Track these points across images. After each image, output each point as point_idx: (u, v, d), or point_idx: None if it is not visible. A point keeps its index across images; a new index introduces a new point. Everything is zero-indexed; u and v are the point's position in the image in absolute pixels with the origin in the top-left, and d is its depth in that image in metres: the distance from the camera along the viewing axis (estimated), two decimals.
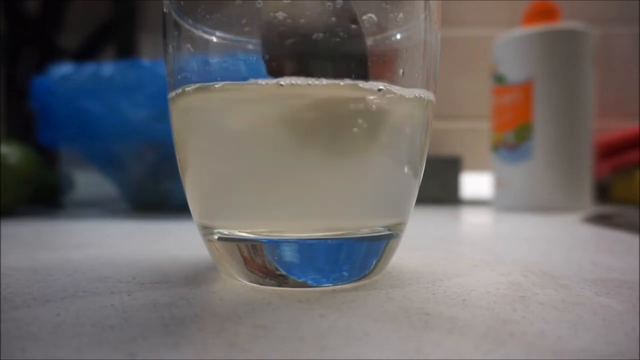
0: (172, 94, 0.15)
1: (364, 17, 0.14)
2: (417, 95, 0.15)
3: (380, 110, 0.14)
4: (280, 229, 0.14)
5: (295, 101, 0.14)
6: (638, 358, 0.09)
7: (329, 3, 0.13)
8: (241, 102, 0.14)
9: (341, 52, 0.14)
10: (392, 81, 0.14)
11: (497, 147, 0.50)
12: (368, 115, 0.14)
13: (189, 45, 0.15)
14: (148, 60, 0.40)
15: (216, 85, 0.14)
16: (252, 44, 0.14)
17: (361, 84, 0.14)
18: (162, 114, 0.38)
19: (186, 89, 0.15)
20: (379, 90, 0.14)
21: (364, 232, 0.15)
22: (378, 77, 0.14)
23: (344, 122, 0.14)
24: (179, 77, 0.15)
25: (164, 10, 0.15)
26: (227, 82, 0.14)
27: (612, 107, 0.72)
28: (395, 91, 0.14)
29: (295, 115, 0.14)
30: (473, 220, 0.41)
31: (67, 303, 0.13)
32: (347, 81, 0.14)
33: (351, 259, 0.15)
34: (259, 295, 0.14)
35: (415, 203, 0.17)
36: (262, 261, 0.14)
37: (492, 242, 0.27)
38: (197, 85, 0.14)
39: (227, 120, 0.14)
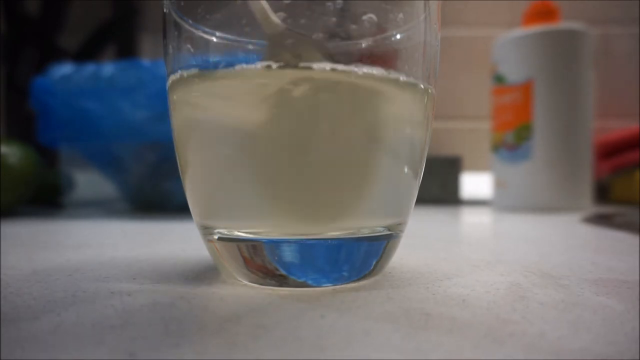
0: (170, 82, 0.15)
1: (364, 17, 0.14)
2: (418, 94, 0.15)
3: (381, 109, 0.14)
4: (280, 229, 0.14)
5: (295, 92, 0.14)
6: (638, 358, 0.09)
7: (329, 3, 0.13)
8: (239, 88, 0.14)
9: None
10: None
11: (497, 147, 0.50)
12: (369, 113, 0.14)
13: (189, 46, 0.15)
14: (148, 60, 0.40)
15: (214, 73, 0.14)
16: (252, 44, 0.14)
17: (365, 69, 0.14)
18: (162, 115, 0.38)
19: (185, 75, 0.15)
20: (388, 75, 0.14)
21: (364, 232, 0.15)
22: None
23: (344, 122, 0.14)
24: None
25: (164, 10, 0.15)
26: (225, 71, 0.14)
27: (612, 107, 0.72)
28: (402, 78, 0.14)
29: (294, 111, 0.14)
30: (473, 220, 0.41)
31: (67, 303, 0.13)
32: (354, 68, 0.14)
33: (351, 259, 0.15)
34: (259, 295, 0.14)
35: (415, 203, 0.17)
36: (262, 261, 0.14)
37: (492, 242, 0.27)
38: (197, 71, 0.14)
39: (226, 115, 0.14)
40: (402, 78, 0.14)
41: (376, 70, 0.14)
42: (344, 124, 0.14)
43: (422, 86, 0.15)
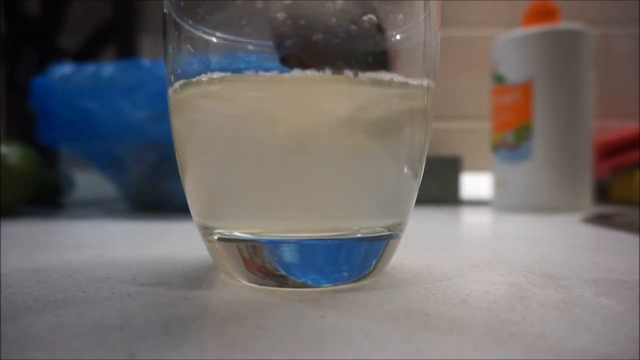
0: (172, 90, 0.15)
1: (364, 17, 0.14)
2: (418, 95, 0.15)
3: (380, 109, 0.14)
4: (280, 229, 0.14)
5: (295, 99, 0.14)
6: (638, 358, 0.09)
7: (329, 3, 0.13)
8: (239, 96, 0.14)
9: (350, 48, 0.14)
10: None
11: (497, 147, 0.50)
12: (369, 113, 0.14)
13: (189, 46, 0.15)
14: (148, 60, 0.40)
15: (214, 77, 0.14)
16: (252, 44, 0.14)
17: (362, 76, 0.14)
18: (162, 114, 0.38)
19: (186, 83, 0.15)
20: (387, 80, 0.14)
21: (364, 232, 0.15)
22: None
23: (344, 122, 0.14)
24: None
25: (164, 10, 0.15)
26: (225, 74, 0.14)
27: (612, 107, 0.72)
28: (400, 80, 0.14)
29: (295, 114, 0.14)
30: (473, 220, 0.41)
31: (67, 303, 0.13)
32: (350, 74, 0.14)
33: (351, 259, 0.15)
34: (259, 296, 0.14)
35: (415, 203, 0.17)
36: (262, 261, 0.14)
37: (492, 242, 0.27)
38: (197, 78, 0.14)
39: (226, 115, 0.14)
40: (403, 80, 0.14)
41: (379, 75, 0.14)
42: (344, 124, 0.14)
43: (422, 86, 0.15)
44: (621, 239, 0.27)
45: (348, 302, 0.13)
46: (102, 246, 0.24)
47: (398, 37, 0.14)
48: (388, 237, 0.16)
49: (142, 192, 0.45)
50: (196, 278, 0.16)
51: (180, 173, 0.16)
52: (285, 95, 0.14)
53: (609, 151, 0.60)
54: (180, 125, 0.15)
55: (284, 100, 0.14)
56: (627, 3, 0.72)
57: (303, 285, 0.15)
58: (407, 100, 0.15)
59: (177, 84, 0.15)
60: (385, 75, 0.14)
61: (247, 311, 0.12)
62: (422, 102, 0.15)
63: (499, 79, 0.50)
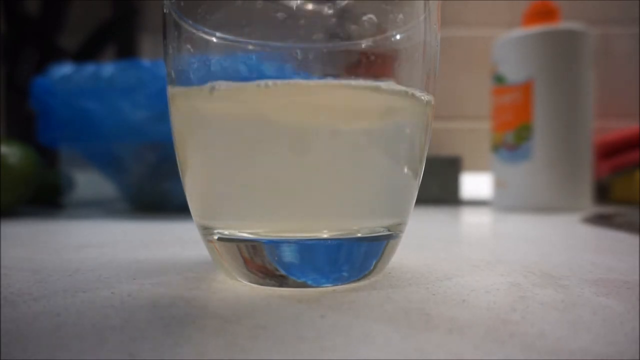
0: (172, 93, 0.15)
1: (364, 17, 0.14)
2: (417, 95, 0.15)
3: (380, 111, 0.14)
4: (280, 229, 0.14)
5: (295, 101, 0.14)
6: (638, 358, 0.09)
7: (329, 3, 0.13)
8: (241, 103, 0.14)
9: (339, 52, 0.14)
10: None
11: (497, 147, 0.50)
12: (368, 116, 0.14)
13: (189, 46, 0.15)
14: (148, 60, 0.40)
15: (216, 87, 0.14)
16: (252, 44, 0.14)
17: (363, 82, 0.14)
18: (162, 114, 0.38)
19: (187, 91, 0.15)
20: (386, 89, 0.14)
21: (364, 232, 0.15)
22: (378, 78, 0.14)
23: (344, 123, 0.14)
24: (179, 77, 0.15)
25: (164, 10, 0.15)
26: (225, 83, 0.14)
27: (612, 107, 0.72)
28: (398, 89, 0.14)
29: (294, 116, 0.14)
30: (473, 220, 0.41)
31: (67, 303, 0.13)
32: (350, 81, 0.14)
33: (351, 259, 0.15)
34: (259, 295, 0.14)
35: (415, 203, 0.17)
36: (262, 261, 0.14)
37: (492, 242, 0.27)
38: (198, 87, 0.14)
39: (227, 121, 0.14)
40: (403, 89, 0.14)
41: (381, 84, 0.14)
42: (344, 124, 0.14)
43: (423, 97, 0.15)
44: (621, 239, 0.27)
45: (348, 302, 0.13)
46: (102, 246, 0.24)
47: (398, 37, 0.14)
48: (388, 237, 0.16)
49: (142, 192, 0.45)
50: (196, 278, 0.16)
51: (180, 173, 0.16)
52: (286, 97, 0.14)
53: (609, 151, 0.60)
54: (180, 125, 0.16)
55: (284, 102, 0.14)
56: (627, 3, 0.72)
57: (303, 285, 0.15)
58: (408, 101, 0.15)
59: (178, 89, 0.15)
60: (388, 89, 0.14)
61: (247, 311, 0.12)
62: (423, 102, 0.15)
63: (499, 79, 0.50)
